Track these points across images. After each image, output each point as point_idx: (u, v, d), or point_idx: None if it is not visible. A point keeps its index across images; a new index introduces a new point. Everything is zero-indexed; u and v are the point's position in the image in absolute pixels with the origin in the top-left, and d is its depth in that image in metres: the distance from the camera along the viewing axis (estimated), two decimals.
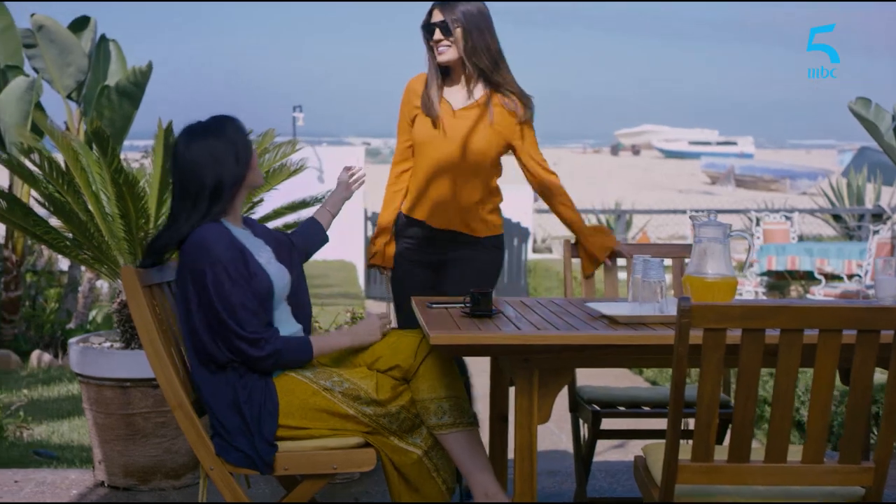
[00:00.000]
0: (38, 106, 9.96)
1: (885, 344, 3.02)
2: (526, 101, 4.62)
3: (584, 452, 4.54)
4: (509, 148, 4.66)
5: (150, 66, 9.94)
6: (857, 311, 2.91)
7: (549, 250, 17.23)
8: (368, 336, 3.80)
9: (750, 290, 13.34)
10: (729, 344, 2.99)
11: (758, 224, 14.58)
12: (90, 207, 5.03)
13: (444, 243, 4.63)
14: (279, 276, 3.78)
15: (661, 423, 4.28)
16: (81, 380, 5.05)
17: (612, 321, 3.57)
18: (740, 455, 3.04)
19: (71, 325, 10.24)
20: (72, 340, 5.16)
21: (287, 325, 3.83)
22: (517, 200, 16.02)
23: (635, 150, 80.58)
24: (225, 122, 3.75)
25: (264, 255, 3.80)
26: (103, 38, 10.80)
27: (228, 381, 3.63)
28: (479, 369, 4.40)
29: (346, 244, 14.83)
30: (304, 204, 5.43)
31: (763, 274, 13.68)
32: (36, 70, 10.33)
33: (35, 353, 9.62)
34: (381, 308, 3.92)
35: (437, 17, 4.55)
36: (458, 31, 4.51)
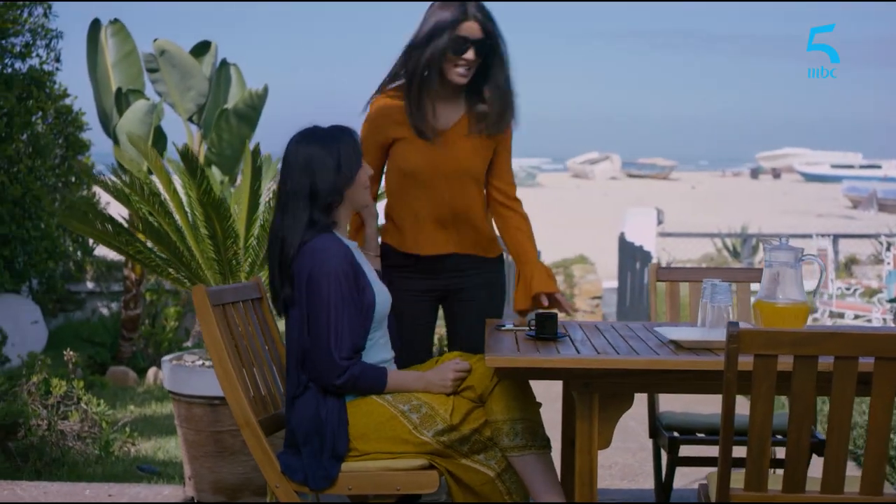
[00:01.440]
0: (159, 129, 10.22)
1: None
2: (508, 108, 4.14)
3: (663, 479, 4.47)
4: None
5: (265, 90, 10.11)
6: None
7: None
8: (440, 388, 3.75)
9: (878, 317, 12.98)
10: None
11: (888, 249, 14.18)
12: (182, 228, 5.13)
13: (449, 271, 4.23)
14: (383, 294, 3.82)
15: (740, 451, 4.19)
16: (173, 397, 5.15)
17: (678, 346, 3.51)
18: (795, 485, 2.95)
19: (188, 343, 10.44)
20: (165, 358, 5.26)
21: (383, 350, 3.85)
22: (640, 223, 15.89)
23: (776, 174, 79.21)
24: (339, 133, 3.76)
25: (371, 272, 3.86)
26: (224, 63, 11.03)
27: (314, 395, 3.67)
28: (553, 395, 4.36)
29: None
30: None
31: (892, 300, 13.29)
32: (159, 94, 10.60)
33: (151, 371, 9.84)
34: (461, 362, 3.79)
35: (477, 32, 3.98)
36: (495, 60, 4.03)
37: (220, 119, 10.19)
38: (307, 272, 3.64)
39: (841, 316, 13.08)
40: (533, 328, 3.72)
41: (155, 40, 10.41)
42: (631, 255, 14.78)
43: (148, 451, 6.95)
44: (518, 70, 4.17)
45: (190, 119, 10.69)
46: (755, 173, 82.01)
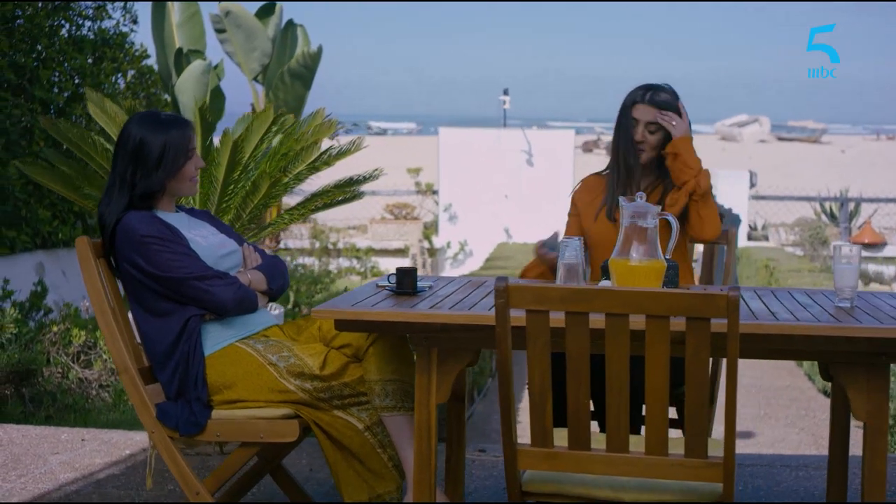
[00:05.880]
0: (217, 89, 10.44)
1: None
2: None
3: None
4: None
5: (319, 50, 10.26)
6: (683, 297, 2.78)
7: (766, 238, 16.68)
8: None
9: None
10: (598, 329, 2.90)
11: None
12: None
13: None
14: (217, 245, 3.89)
15: None
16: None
17: None
18: (579, 442, 2.95)
19: None
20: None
21: None
22: (732, 186, 15.62)
23: None
24: (169, 125, 3.81)
25: (201, 231, 3.93)
26: (290, 24, 11.21)
27: (173, 352, 3.77)
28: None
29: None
30: (351, 182, 5.50)
31: None
32: (228, 54, 10.83)
33: None
34: None
35: (648, 114, 4.20)
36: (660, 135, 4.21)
37: (277, 78, 10.39)
38: (124, 259, 3.75)
39: None
40: (392, 283, 3.75)
41: (221, 1, 10.65)
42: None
43: None
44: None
45: (255, 78, 10.91)
46: None
